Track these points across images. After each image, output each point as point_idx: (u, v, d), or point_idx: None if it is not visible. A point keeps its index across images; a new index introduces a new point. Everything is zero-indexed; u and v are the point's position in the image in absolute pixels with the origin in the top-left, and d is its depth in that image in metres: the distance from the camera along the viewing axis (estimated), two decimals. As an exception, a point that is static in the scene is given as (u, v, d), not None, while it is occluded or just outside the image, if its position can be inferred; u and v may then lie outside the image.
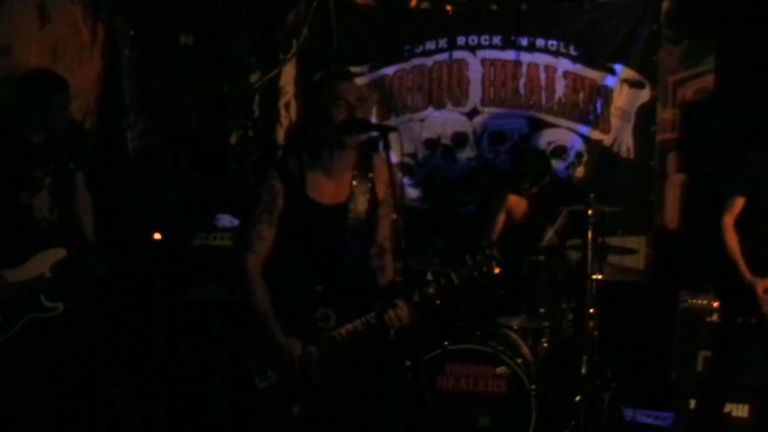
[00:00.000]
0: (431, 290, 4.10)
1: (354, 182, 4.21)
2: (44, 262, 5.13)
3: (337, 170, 4.19)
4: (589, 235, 5.78)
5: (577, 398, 5.75)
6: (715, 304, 5.85)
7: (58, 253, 5.15)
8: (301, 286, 4.13)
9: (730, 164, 5.73)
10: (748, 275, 5.13)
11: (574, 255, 6.44)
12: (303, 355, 4.05)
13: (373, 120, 6.88)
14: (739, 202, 5.23)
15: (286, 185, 4.14)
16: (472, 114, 7.03)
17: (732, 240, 5.21)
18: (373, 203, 4.24)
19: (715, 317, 5.88)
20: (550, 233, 6.38)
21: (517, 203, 6.47)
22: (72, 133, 5.38)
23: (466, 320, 5.92)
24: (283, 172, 4.17)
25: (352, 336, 4.09)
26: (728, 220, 5.23)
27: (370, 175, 4.24)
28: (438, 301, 4.12)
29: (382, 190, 4.24)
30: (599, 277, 5.89)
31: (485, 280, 4.08)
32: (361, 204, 4.21)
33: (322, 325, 4.10)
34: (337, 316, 4.11)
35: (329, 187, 4.18)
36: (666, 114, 6.80)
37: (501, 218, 6.45)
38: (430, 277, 4.13)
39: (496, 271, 4.05)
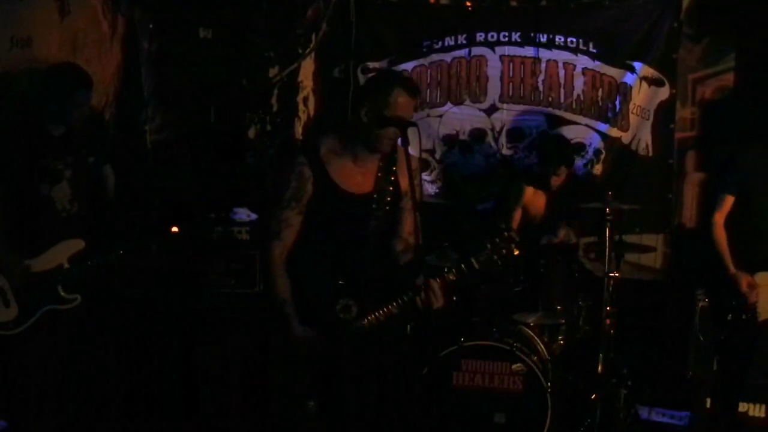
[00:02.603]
0: (452, 276, 4.09)
1: (379, 174, 4.19)
2: (62, 253, 5.15)
3: (364, 159, 4.17)
4: (607, 232, 5.77)
5: (593, 396, 5.75)
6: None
7: (77, 245, 5.17)
8: (324, 277, 4.12)
9: (722, 164, 5.97)
10: (732, 270, 5.38)
11: (592, 253, 6.43)
12: (319, 347, 4.04)
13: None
14: (729, 201, 5.50)
15: (315, 171, 4.11)
16: (490, 110, 7.02)
17: (720, 236, 5.50)
18: (396, 195, 4.23)
19: (728, 316, 5.87)
20: (563, 230, 6.36)
21: (533, 198, 6.47)
22: (91, 128, 5.40)
23: (482, 317, 5.92)
24: (311, 157, 4.13)
25: (376, 325, 4.08)
26: (718, 218, 5.53)
27: (394, 168, 4.22)
28: (454, 297, 4.11)
29: (405, 183, 4.21)
30: (616, 274, 5.88)
31: (505, 262, 4.06)
32: (385, 195, 4.19)
33: (343, 317, 4.09)
34: (358, 308, 4.11)
35: (356, 175, 4.17)
36: (685, 112, 6.78)
37: (518, 214, 6.46)
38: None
39: (516, 252, 4.04)
